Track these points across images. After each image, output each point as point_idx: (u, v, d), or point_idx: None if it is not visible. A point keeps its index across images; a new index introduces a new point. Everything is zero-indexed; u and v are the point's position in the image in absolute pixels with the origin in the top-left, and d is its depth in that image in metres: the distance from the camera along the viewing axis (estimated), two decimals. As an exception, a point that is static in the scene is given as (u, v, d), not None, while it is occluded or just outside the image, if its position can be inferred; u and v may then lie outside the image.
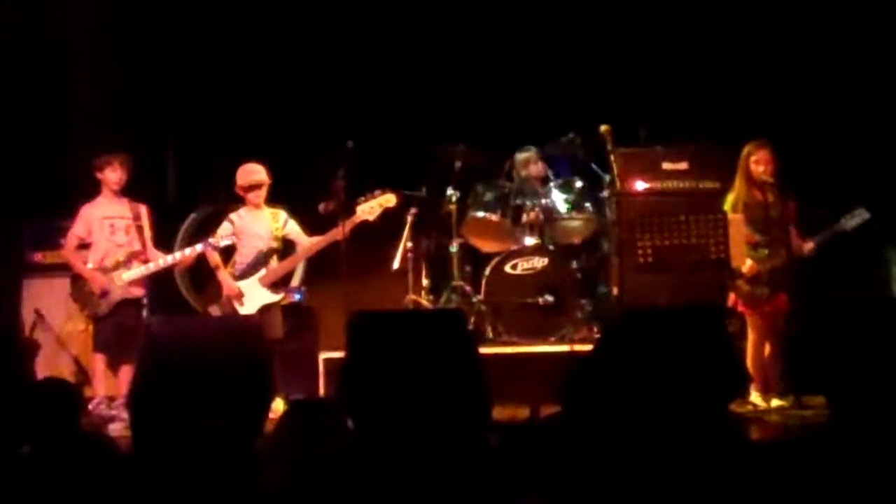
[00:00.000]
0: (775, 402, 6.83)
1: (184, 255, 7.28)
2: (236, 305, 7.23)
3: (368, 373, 3.24)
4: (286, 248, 7.56)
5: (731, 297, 6.94)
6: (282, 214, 7.50)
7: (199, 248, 7.21)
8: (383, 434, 2.83)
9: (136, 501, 2.55)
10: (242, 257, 7.37)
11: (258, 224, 7.38)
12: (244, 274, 7.33)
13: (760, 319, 6.90)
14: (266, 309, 7.27)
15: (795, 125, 8.16)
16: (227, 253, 7.42)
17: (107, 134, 8.11)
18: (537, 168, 8.46)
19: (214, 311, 7.29)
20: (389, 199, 7.32)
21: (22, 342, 7.88)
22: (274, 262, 7.41)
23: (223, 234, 7.23)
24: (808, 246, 6.91)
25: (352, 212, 7.23)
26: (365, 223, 7.27)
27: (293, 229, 7.51)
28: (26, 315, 8.20)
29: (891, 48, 8.28)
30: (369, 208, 7.24)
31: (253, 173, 7.36)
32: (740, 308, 6.92)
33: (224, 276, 7.28)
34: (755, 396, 6.83)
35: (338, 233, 7.16)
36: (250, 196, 7.35)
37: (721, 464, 2.45)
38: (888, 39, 8.28)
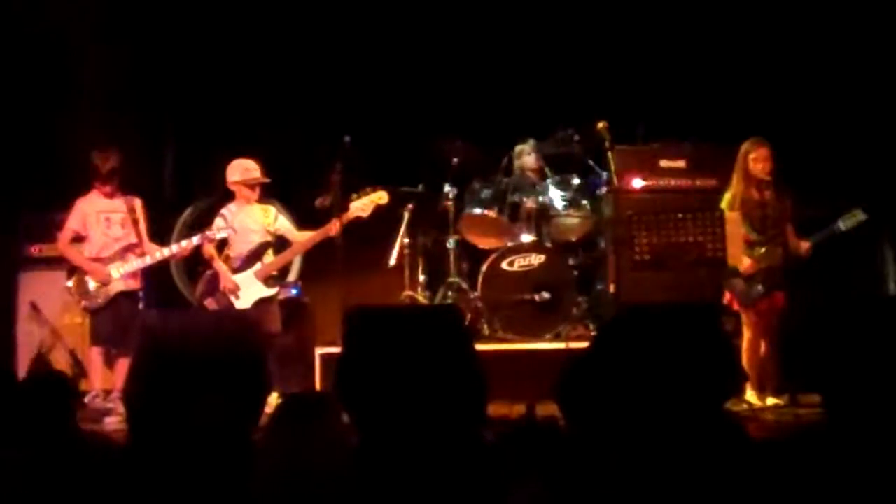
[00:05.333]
0: (771, 401, 6.83)
1: (180, 247, 7.28)
2: (232, 299, 7.23)
3: (364, 368, 3.24)
4: (279, 243, 7.56)
5: (727, 295, 6.94)
6: (272, 210, 7.51)
7: (195, 240, 7.22)
8: (379, 429, 2.83)
9: (132, 495, 2.55)
10: (235, 252, 7.36)
11: (250, 219, 7.37)
12: (239, 268, 7.32)
13: (756, 318, 6.90)
14: (262, 303, 7.27)
15: (793, 124, 8.16)
16: (219, 247, 7.42)
17: (104, 127, 8.11)
18: (531, 160, 8.47)
19: (210, 304, 7.28)
20: (382, 197, 7.34)
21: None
22: (269, 256, 7.41)
23: (218, 227, 7.24)
24: (805, 246, 6.91)
25: (345, 208, 7.24)
26: (358, 220, 7.28)
27: (283, 225, 7.51)
28: (22, 308, 8.20)
29: (888, 48, 8.28)
30: (362, 205, 7.26)
31: (254, 170, 7.35)
32: (735, 307, 6.93)
33: (221, 268, 7.28)
34: (750, 395, 6.84)
35: (331, 228, 7.18)
36: (247, 192, 7.34)
37: (717, 462, 2.45)
38: (885, 39, 8.28)
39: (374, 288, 8.17)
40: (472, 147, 8.43)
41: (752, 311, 6.90)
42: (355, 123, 7.89)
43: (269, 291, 7.31)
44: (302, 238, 7.45)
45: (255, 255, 7.34)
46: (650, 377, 2.62)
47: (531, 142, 8.50)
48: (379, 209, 7.37)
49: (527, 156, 8.48)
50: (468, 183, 8.41)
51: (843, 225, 6.82)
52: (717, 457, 2.43)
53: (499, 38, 8.95)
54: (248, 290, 7.26)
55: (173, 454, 2.54)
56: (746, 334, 6.90)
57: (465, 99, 8.85)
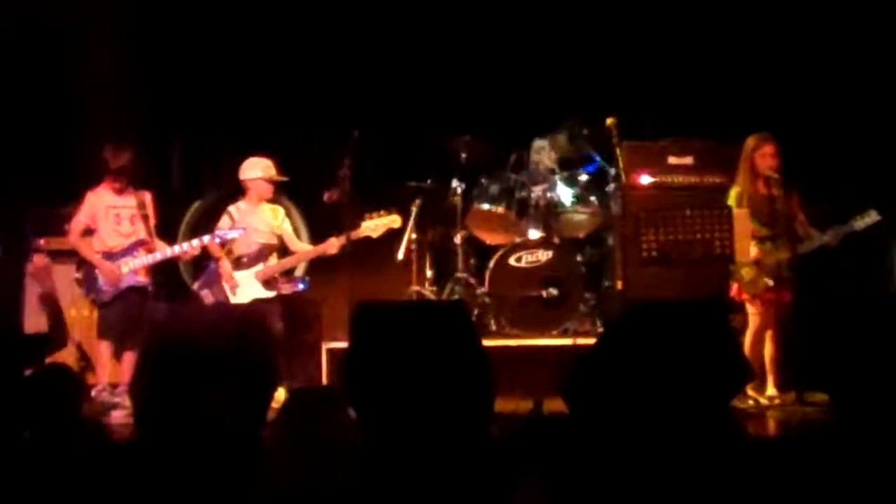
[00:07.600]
0: (776, 398, 6.82)
1: (191, 245, 7.29)
2: (229, 294, 7.23)
3: (371, 364, 3.24)
4: (284, 246, 7.57)
5: (734, 286, 6.91)
6: (280, 211, 7.53)
7: (206, 239, 7.23)
8: (386, 424, 2.83)
9: (137, 490, 2.56)
10: (238, 250, 7.37)
11: (258, 218, 7.38)
12: (241, 266, 7.32)
13: (762, 309, 6.87)
14: (259, 303, 7.27)
15: (802, 121, 8.14)
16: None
17: (112, 120, 8.12)
18: (551, 157, 8.46)
19: (207, 296, 7.29)
20: (395, 221, 7.38)
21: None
22: (273, 258, 7.42)
23: (225, 227, 7.26)
24: (823, 237, 6.84)
25: (356, 226, 7.24)
26: (368, 239, 7.30)
27: (287, 230, 7.53)
28: (29, 301, 8.20)
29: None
30: (373, 226, 7.29)
31: (272, 168, 7.37)
32: (743, 297, 6.89)
33: (224, 264, 7.28)
34: (753, 391, 6.81)
35: (332, 245, 7.22)
36: (263, 190, 7.36)
37: (722, 460, 2.44)
38: (893, 36, 8.26)
39: (381, 283, 8.18)
40: (481, 142, 8.42)
41: (758, 301, 6.87)
42: (364, 118, 7.90)
43: (267, 294, 7.31)
44: (299, 249, 7.49)
45: (258, 256, 7.35)
46: (657, 374, 2.62)
47: (549, 138, 8.49)
48: (390, 232, 7.40)
49: (546, 152, 8.46)
50: (476, 178, 8.40)
51: (855, 225, 6.78)
52: (721, 454, 2.43)
53: (508, 33, 8.94)
54: (246, 290, 7.26)
55: (180, 449, 2.54)
56: (751, 327, 6.88)
57: (473, 94, 8.84)
